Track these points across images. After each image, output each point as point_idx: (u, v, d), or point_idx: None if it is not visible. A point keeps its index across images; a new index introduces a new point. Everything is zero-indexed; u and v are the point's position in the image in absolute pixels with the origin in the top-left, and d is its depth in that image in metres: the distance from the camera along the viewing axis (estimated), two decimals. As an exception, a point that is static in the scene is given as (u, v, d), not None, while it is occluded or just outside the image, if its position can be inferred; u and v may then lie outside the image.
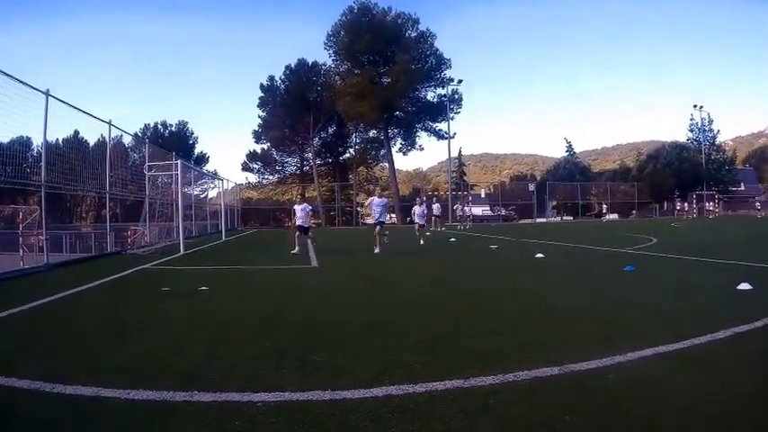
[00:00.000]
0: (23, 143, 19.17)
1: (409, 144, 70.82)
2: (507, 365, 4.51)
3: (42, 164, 14.40)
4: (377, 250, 17.25)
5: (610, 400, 3.78)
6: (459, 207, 36.69)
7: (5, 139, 15.42)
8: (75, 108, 16.52)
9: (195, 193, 41.99)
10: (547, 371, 4.39)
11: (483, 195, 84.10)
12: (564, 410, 3.55)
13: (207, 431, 3.38)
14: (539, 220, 65.54)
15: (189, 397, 3.92)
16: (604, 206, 66.17)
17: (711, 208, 64.30)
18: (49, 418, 3.63)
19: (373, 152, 75.96)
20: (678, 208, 66.92)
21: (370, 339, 5.75)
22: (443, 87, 65.87)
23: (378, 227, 18.16)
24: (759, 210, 64.56)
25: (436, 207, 36.19)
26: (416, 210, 34.14)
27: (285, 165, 78.12)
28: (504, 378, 4.24)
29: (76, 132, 26.80)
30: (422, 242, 21.58)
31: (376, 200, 18.75)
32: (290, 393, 3.97)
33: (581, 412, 3.53)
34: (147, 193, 23.75)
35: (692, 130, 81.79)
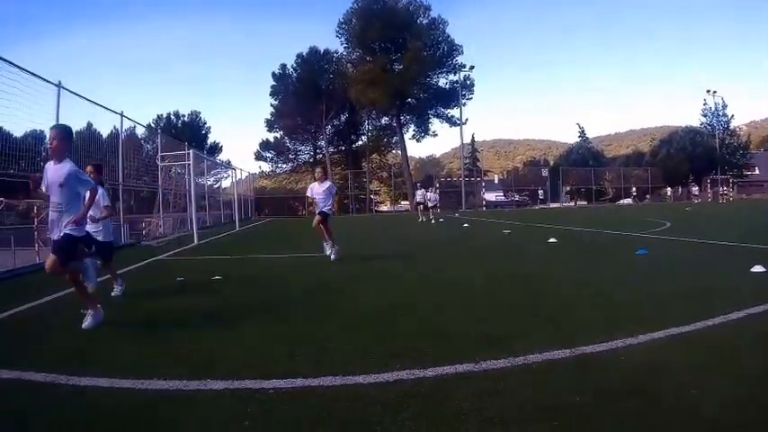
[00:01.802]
0: (36, 136, 19.24)
1: (422, 131, 70.82)
2: (518, 348, 4.53)
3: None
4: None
5: (621, 382, 3.78)
6: (422, 193, 32.85)
7: (19, 133, 15.53)
8: (88, 100, 16.58)
9: (209, 183, 42.08)
10: (558, 353, 4.40)
11: (496, 181, 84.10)
12: (575, 393, 3.56)
13: (219, 418, 3.41)
14: (552, 205, 65.44)
15: (202, 385, 3.95)
16: (633, 189, 66.31)
17: (725, 192, 63.82)
18: (65, 409, 3.66)
19: (386, 139, 75.91)
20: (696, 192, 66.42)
21: (380, 325, 5.80)
22: (455, 74, 65.93)
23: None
24: (725, 194, 63.90)
25: (430, 196, 34.42)
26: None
27: (298, 153, 78.04)
28: (514, 361, 4.25)
29: (89, 124, 26.89)
30: (328, 250, 12.62)
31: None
32: (302, 380, 3.99)
33: (592, 394, 3.53)
34: (160, 183, 23.85)
35: (705, 115, 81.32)
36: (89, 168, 8.23)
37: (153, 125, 63.01)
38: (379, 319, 6.08)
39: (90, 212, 7.62)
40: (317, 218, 12.59)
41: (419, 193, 33.22)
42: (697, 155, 74.79)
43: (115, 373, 4.23)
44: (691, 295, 6.92)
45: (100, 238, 8.52)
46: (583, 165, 75.49)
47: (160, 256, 14.30)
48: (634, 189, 69.82)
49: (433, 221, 29.36)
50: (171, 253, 15.28)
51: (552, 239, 15.07)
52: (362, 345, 4.95)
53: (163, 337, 5.62)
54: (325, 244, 12.75)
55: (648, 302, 6.55)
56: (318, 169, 14.55)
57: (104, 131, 29.98)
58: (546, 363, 4.23)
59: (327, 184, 13.15)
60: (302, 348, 4.87)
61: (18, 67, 12.45)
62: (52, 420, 3.50)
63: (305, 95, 68.77)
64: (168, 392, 3.88)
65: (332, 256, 12.16)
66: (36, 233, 16.33)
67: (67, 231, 6.19)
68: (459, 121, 65.13)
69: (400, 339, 5.09)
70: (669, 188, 70.55)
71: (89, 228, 7.97)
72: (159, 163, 23.99)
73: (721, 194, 63.90)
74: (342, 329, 5.64)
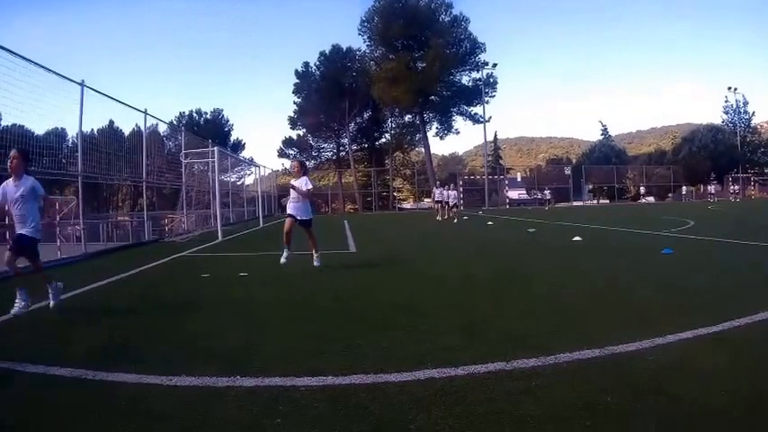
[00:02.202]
0: (59, 134, 19.52)
1: (445, 128, 70.64)
2: (548, 348, 4.51)
3: (78, 154, 14.63)
4: None
5: (651, 382, 3.76)
6: (440, 191, 31.66)
7: (41, 131, 15.73)
8: (111, 98, 16.77)
9: (232, 179, 42.21)
10: (588, 353, 4.38)
11: (519, 179, 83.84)
12: (605, 392, 3.55)
13: (250, 416, 3.41)
14: (575, 203, 65.16)
15: (232, 382, 3.98)
16: (642, 188, 65.87)
17: (736, 190, 63.10)
18: (91, 405, 3.68)
19: (409, 137, 75.80)
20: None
21: (409, 323, 5.76)
22: (478, 71, 65.61)
23: None
24: (736, 193, 62.98)
25: (452, 194, 33.09)
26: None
27: (321, 151, 78.33)
28: (545, 360, 4.24)
29: (112, 122, 27.08)
30: (285, 255, 10.75)
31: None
32: (332, 377, 4.01)
33: (622, 394, 3.53)
34: (183, 180, 23.97)
35: (726, 113, 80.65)
36: (13, 153, 7.70)
37: (175, 123, 63.36)
38: (406, 318, 6.05)
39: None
40: (290, 221, 10.75)
41: (437, 192, 32.95)
42: (719, 153, 74.17)
43: (143, 369, 4.27)
44: (716, 295, 6.88)
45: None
46: (605, 163, 75.17)
47: (184, 253, 14.40)
48: (643, 188, 69.21)
49: (455, 220, 29.07)
50: (195, 249, 15.38)
51: (577, 238, 14.99)
52: (391, 343, 4.95)
53: (190, 333, 5.65)
54: (285, 250, 10.70)
55: (675, 302, 6.51)
56: (294, 163, 12.45)
57: (127, 129, 30.29)
58: (576, 362, 4.21)
59: (302, 180, 10.89)
60: (331, 346, 4.88)
61: (42, 66, 12.61)
62: (78, 416, 3.53)
63: (328, 93, 68.87)
64: (198, 389, 3.91)
65: (315, 263, 10.72)
66: (58, 228, 16.50)
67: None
68: (482, 119, 65.08)
69: (429, 338, 5.09)
70: (685, 187, 69.80)
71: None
72: (182, 160, 24.09)
73: (732, 193, 63.15)
74: (369, 327, 5.63)
